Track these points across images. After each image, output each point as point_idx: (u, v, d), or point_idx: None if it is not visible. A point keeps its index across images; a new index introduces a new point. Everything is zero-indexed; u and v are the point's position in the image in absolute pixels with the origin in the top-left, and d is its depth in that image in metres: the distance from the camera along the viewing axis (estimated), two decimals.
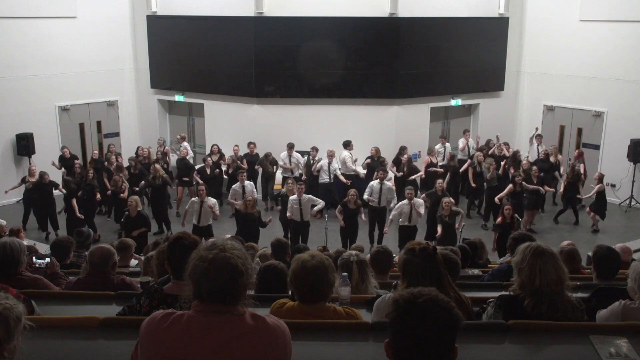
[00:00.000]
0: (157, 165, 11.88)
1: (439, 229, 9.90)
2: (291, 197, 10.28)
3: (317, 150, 12.78)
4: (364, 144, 12.98)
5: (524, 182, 11.35)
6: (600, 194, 11.67)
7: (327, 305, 2.90)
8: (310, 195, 10.51)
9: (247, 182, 11.35)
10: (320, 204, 10.45)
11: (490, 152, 13.12)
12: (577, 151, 13.29)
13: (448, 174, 12.86)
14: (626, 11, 12.89)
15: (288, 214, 10.28)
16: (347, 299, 3.28)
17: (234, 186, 11.40)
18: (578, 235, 11.40)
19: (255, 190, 11.51)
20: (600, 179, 11.67)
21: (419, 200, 10.46)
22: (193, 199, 10.50)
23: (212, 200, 10.40)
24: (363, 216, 10.76)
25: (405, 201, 10.28)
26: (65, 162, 12.71)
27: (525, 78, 14.90)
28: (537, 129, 13.89)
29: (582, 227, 12.17)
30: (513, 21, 14.50)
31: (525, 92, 14.98)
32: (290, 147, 12.80)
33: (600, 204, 11.70)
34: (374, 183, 10.92)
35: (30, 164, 12.44)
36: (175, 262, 2.94)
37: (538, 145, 13.38)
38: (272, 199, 12.88)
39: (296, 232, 10.37)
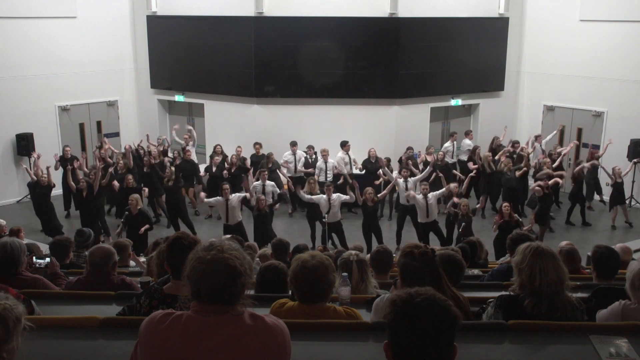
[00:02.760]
0: (172, 168, 11.88)
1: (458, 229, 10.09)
2: (322, 198, 10.33)
3: (313, 148, 12.82)
4: (363, 144, 12.97)
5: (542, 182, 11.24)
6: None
7: (327, 305, 2.90)
8: (339, 193, 10.55)
9: (268, 182, 11.32)
10: (349, 196, 10.46)
11: (502, 154, 12.76)
12: (590, 151, 13.21)
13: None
14: (626, 11, 12.88)
15: (323, 215, 10.33)
16: (347, 299, 3.28)
17: (254, 183, 11.43)
18: (578, 235, 11.39)
19: (277, 189, 11.48)
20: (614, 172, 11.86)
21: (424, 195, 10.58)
22: (218, 198, 10.44)
23: (236, 196, 10.40)
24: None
25: (420, 195, 10.40)
26: (65, 162, 12.60)
27: (525, 78, 14.88)
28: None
29: (582, 227, 12.15)
30: (513, 21, 14.49)
31: (525, 92, 14.96)
32: (293, 144, 12.82)
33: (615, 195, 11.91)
34: (400, 182, 11.02)
35: (34, 156, 12.25)
36: (174, 262, 2.94)
37: (540, 145, 13.31)
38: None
39: (330, 232, 10.48)
